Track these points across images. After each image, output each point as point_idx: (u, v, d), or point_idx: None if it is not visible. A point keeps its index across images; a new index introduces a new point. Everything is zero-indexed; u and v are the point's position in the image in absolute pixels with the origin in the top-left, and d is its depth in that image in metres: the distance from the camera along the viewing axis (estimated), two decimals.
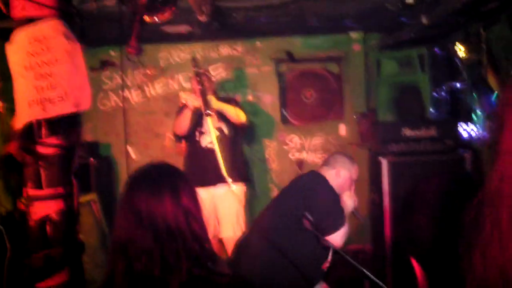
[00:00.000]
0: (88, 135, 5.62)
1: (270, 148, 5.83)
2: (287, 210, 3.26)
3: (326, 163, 3.51)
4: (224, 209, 4.59)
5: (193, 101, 4.46)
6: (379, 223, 4.67)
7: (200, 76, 4.46)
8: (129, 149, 5.64)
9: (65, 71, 2.65)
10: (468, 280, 1.04)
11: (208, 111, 4.36)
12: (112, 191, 5.48)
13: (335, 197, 3.31)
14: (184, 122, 4.56)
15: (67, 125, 2.71)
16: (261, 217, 3.54)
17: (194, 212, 1.53)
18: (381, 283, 2.57)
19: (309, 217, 2.92)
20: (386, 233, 4.52)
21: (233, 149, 4.62)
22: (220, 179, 4.48)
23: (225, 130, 4.58)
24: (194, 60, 4.64)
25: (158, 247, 1.45)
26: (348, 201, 3.40)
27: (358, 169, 3.52)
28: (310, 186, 3.35)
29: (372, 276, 2.64)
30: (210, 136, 4.55)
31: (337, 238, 3.16)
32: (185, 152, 4.75)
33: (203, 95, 4.39)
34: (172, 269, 1.44)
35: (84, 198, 4.77)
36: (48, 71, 2.62)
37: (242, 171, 4.73)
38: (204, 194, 4.47)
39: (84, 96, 2.73)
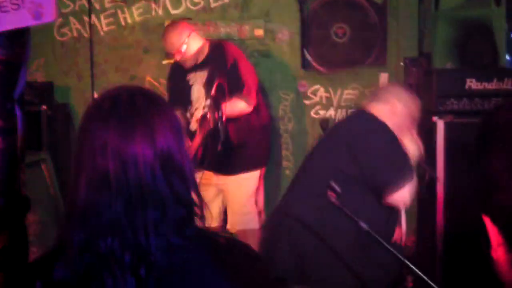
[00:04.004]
0: (39, 74, 5.64)
1: (286, 103, 5.80)
2: (324, 172, 3.16)
3: (375, 98, 3.43)
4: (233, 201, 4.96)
5: None
6: (428, 207, 4.65)
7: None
8: (96, 95, 5.61)
9: None
10: None
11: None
12: (69, 149, 5.49)
13: (393, 141, 3.21)
14: None
15: (10, 34, 2.64)
16: (288, 190, 3.47)
17: (175, 156, 1.51)
18: (428, 280, 2.54)
19: (336, 187, 2.86)
20: (438, 220, 4.52)
21: None
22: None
23: None
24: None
25: (128, 218, 1.44)
26: (411, 147, 3.32)
27: (419, 105, 3.43)
28: (356, 131, 3.26)
29: (417, 271, 2.60)
30: None
31: (403, 195, 3.10)
32: None
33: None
34: (145, 249, 1.43)
35: (32, 157, 4.76)
36: None
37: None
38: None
39: (46, 4, 2.68)
